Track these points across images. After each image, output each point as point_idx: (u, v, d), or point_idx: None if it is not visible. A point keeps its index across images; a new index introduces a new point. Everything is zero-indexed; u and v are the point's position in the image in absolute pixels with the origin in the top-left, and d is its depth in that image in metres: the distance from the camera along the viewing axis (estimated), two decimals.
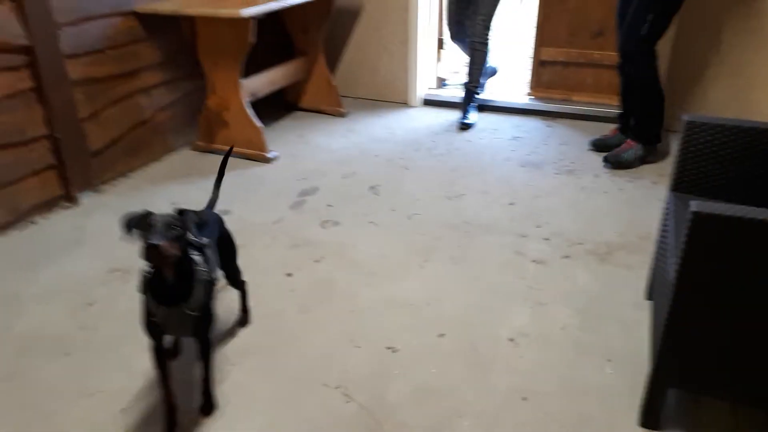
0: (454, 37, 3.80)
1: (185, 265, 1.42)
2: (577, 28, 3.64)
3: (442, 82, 4.28)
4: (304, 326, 2.00)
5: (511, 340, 1.93)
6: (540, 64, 3.79)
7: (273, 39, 3.73)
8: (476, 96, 3.76)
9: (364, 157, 3.29)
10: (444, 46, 4.21)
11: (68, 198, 2.78)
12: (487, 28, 3.54)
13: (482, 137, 3.54)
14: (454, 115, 3.83)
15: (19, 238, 2.53)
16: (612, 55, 3.53)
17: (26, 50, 2.47)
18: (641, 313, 2.02)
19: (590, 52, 3.65)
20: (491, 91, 4.02)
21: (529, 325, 1.99)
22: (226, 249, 1.80)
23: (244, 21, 2.86)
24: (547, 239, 2.48)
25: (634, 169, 3.07)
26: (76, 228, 2.60)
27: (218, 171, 1.91)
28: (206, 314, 1.51)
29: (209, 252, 1.58)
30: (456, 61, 4.42)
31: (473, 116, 3.70)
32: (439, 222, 2.62)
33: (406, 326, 1.99)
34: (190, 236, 1.39)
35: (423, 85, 4.08)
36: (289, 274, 2.27)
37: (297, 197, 2.85)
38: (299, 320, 2.03)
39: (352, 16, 4.01)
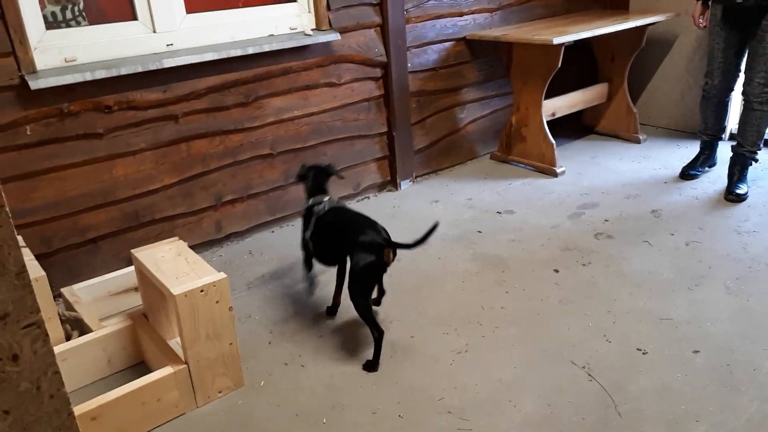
0: (712, 92, 3.17)
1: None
2: None
3: None
4: (562, 314, 2.27)
5: None
6: None
7: (580, 64, 4.01)
8: (752, 163, 3.15)
9: (652, 181, 3.35)
10: None
11: (393, 183, 3.52)
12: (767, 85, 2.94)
13: None
14: (765, 153, 3.56)
15: (357, 207, 3.32)
16: None
17: (384, 66, 3.25)
18: None
19: None
20: None
21: None
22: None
23: (555, 47, 3.22)
24: None
25: None
26: (394, 207, 3.30)
27: (426, 233, 1.97)
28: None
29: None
30: None
31: (744, 187, 3.11)
32: (721, 253, 2.59)
33: (661, 336, 2.10)
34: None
35: (733, 120, 3.87)
36: (556, 270, 2.55)
37: (576, 209, 3.10)
38: (558, 308, 2.30)
39: (664, 45, 4.04)
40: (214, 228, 2.86)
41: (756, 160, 3.14)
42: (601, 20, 3.62)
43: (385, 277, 2.55)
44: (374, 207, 3.30)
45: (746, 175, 3.16)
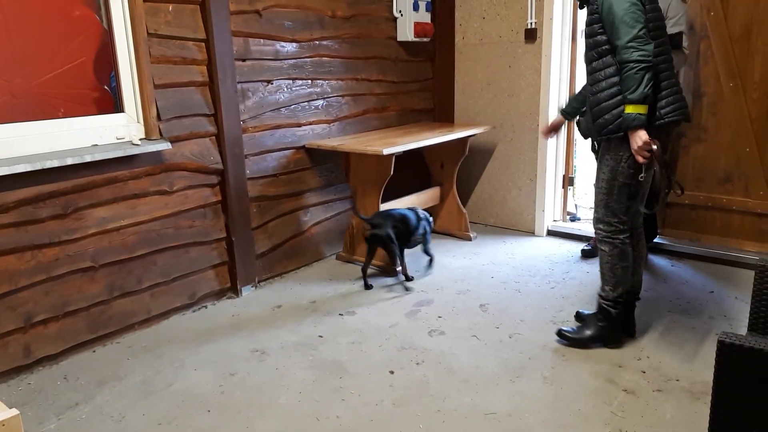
0: None
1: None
2: (705, 174, 3.74)
3: (570, 216, 4.50)
4: (395, 417, 2.28)
5: None
6: (666, 206, 3.89)
7: (414, 170, 4.32)
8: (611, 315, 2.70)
9: (481, 277, 3.60)
10: (573, 183, 4.48)
11: (234, 290, 3.43)
12: (601, 221, 2.61)
13: None
14: (577, 246, 4.01)
15: (192, 318, 3.18)
16: (743, 201, 3.61)
17: (220, 173, 3.26)
18: None
19: (719, 196, 3.70)
20: None
21: None
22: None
23: (387, 157, 3.46)
24: (643, 372, 2.54)
25: None
26: (233, 315, 3.20)
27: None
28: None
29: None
30: (585, 197, 4.65)
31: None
32: (539, 344, 2.80)
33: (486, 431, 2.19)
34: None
35: (549, 218, 4.35)
36: (391, 372, 2.59)
37: (413, 307, 3.22)
38: (392, 412, 2.32)
39: (485, 153, 4.51)
40: (22, 352, 2.56)
41: (613, 311, 2.70)
42: (430, 132, 3.97)
43: (216, 395, 2.44)
44: (211, 316, 3.18)
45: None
